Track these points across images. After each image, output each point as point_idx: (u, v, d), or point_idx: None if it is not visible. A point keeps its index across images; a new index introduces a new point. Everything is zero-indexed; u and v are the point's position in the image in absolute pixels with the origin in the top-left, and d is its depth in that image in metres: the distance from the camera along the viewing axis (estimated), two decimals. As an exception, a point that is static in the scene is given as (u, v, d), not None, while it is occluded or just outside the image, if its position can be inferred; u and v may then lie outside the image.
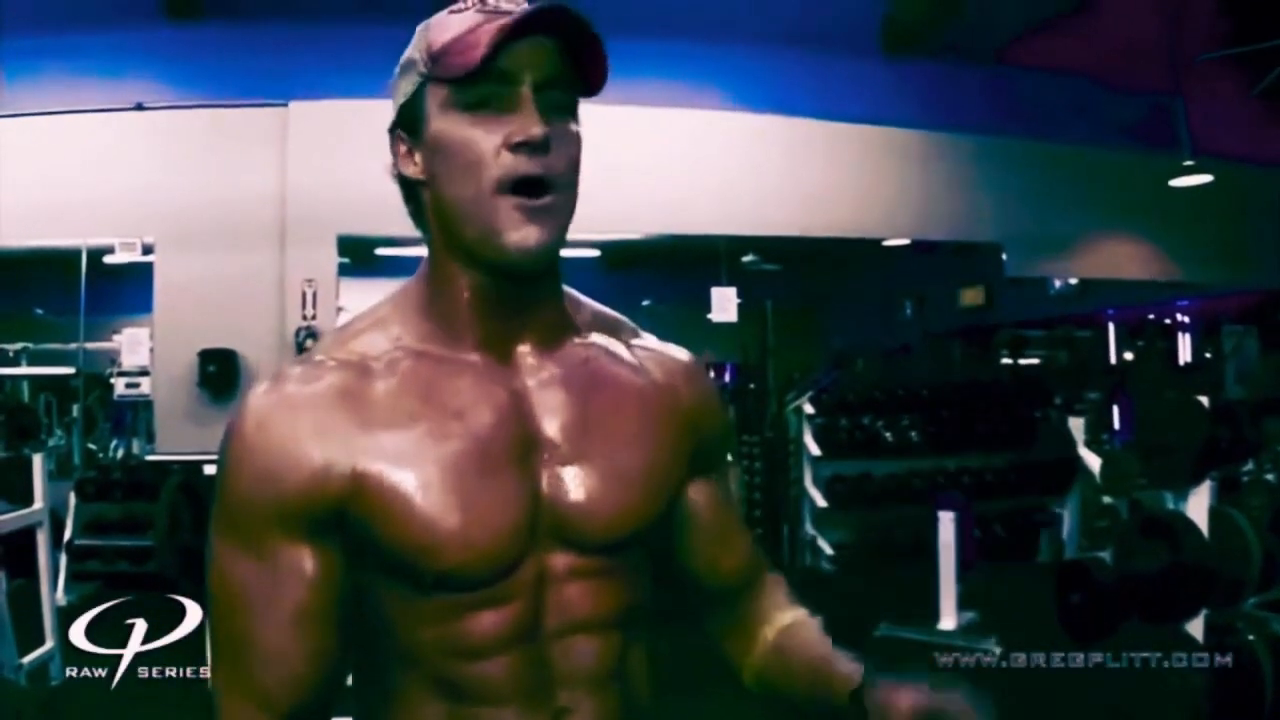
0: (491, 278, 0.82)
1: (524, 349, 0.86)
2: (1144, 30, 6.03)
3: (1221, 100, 6.44)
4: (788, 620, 1.01)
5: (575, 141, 0.82)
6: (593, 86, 0.82)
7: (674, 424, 0.91)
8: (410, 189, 0.86)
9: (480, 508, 0.79)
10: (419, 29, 0.83)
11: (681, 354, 0.97)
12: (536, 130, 0.77)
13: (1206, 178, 6.36)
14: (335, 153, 5.60)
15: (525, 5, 0.79)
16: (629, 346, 0.94)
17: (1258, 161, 7.01)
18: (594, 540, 0.84)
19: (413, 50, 0.82)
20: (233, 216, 5.53)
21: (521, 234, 0.78)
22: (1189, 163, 6.29)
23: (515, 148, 0.77)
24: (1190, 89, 6.29)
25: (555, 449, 0.84)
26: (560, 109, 0.81)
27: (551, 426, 0.84)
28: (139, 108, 5.56)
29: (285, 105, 5.58)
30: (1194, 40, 6.06)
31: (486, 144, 0.78)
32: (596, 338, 0.91)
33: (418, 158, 0.83)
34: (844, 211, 6.32)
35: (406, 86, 0.82)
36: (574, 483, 0.84)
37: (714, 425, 0.98)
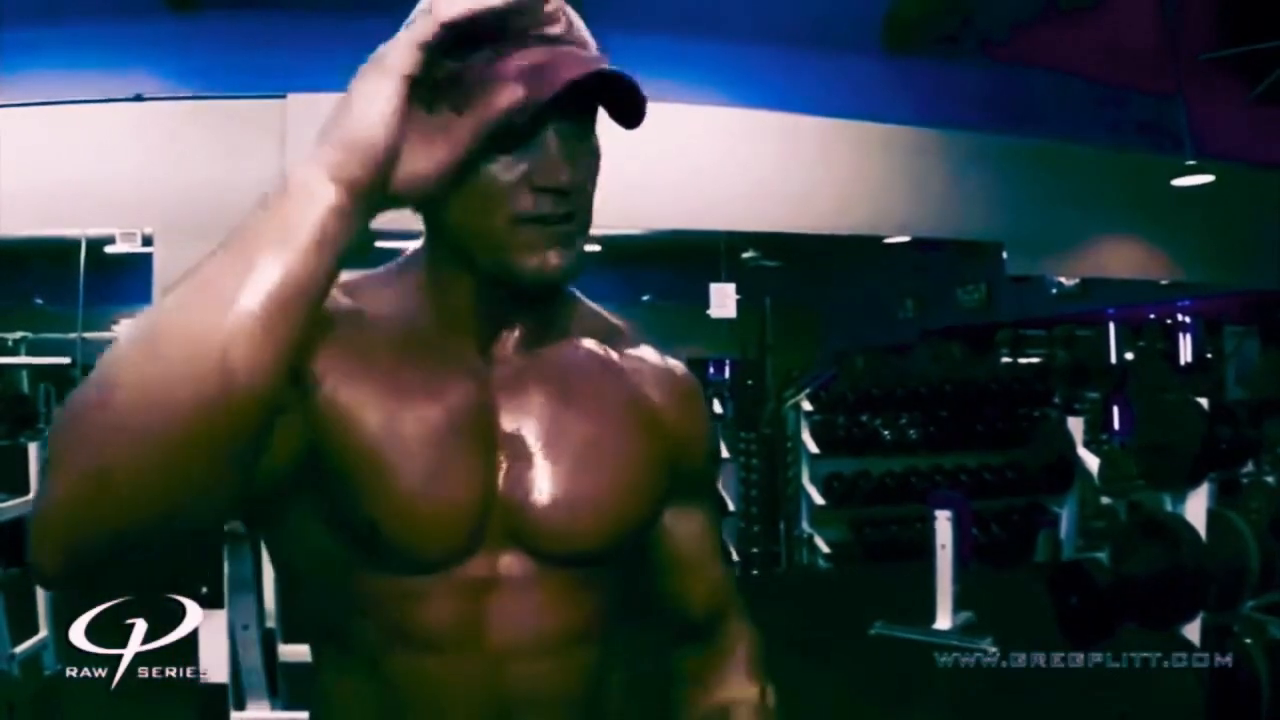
0: (495, 288, 0.80)
1: (507, 344, 0.84)
2: (1145, 29, 6.02)
3: (1223, 100, 6.44)
4: (736, 696, 1.00)
5: (594, 158, 0.79)
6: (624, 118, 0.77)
7: (655, 442, 0.87)
8: None
9: (432, 484, 0.77)
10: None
11: (678, 369, 0.93)
12: (564, 177, 0.74)
13: (1208, 178, 6.35)
14: (335, 145, 5.59)
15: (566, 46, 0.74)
16: (622, 355, 0.90)
17: (1259, 161, 7.00)
18: (553, 549, 0.81)
19: None
20: (232, 208, 5.40)
21: (541, 258, 0.75)
22: (1191, 162, 6.29)
23: (538, 190, 0.74)
24: (1192, 89, 6.28)
25: (518, 448, 0.81)
26: (581, 135, 0.77)
27: (517, 425, 0.82)
28: (138, 99, 5.54)
29: (284, 98, 5.57)
30: (1195, 40, 6.05)
31: (506, 176, 0.74)
32: (586, 343, 0.88)
33: None
34: (844, 208, 6.31)
35: None
36: (535, 486, 0.81)
37: (698, 451, 0.94)
